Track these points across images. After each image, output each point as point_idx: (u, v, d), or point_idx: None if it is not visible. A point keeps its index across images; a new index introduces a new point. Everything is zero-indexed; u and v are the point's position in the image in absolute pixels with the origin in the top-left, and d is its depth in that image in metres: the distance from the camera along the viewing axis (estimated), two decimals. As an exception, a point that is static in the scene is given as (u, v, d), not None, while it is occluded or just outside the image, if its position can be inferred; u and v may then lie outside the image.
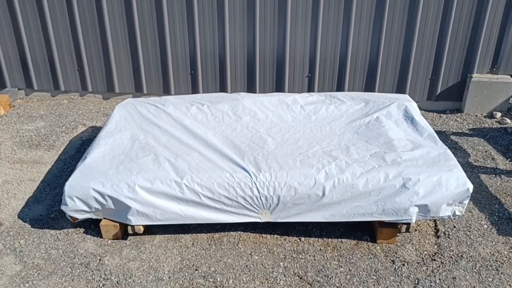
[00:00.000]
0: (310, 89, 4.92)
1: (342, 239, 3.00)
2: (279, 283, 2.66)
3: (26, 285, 2.64)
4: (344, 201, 2.83)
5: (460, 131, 4.48)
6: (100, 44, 4.83)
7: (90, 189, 2.82)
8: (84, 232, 3.05)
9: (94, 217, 2.93)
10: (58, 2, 4.64)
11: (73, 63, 4.96)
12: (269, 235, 3.03)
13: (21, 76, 5.06)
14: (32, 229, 3.09)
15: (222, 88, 4.97)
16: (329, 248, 2.93)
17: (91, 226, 3.08)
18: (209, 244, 2.95)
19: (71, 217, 2.92)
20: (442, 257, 2.85)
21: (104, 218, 2.95)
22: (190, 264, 2.80)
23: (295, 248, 2.92)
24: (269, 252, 2.89)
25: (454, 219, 3.14)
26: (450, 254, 2.87)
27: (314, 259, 2.84)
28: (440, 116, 4.83)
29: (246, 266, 2.78)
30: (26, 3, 4.67)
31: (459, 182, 2.80)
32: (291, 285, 2.64)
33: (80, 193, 2.83)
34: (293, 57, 4.78)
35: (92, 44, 4.84)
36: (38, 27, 4.78)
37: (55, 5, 4.66)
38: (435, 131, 3.49)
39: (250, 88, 4.95)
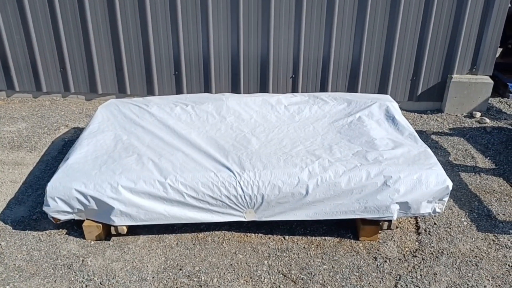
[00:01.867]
0: (294, 89, 4.96)
1: (326, 237, 3.03)
2: (264, 281, 2.67)
3: (7, 287, 2.61)
4: (327, 199, 2.86)
5: (440, 131, 4.56)
6: (83, 45, 4.79)
7: (72, 190, 2.80)
8: (66, 233, 3.02)
9: (76, 218, 2.91)
10: (40, 2, 4.59)
11: (55, 64, 4.91)
12: (253, 234, 3.04)
13: (2, 77, 4.99)
14: (13, 230, 3.05)
15: (206, 89, 4.98)
16: (312, 246, 2.96)
17: (74, 227, 3.05)
18: (194, 244, 2.96)
19: (53, 218, 2.89)
20: (423, 254, 2.90)
21: (87, 219, 2.93)
22: (174, 264, 2.80)
23: (279, 247, 2.95)
24: (254, 251, 2.90)
25: (435, 216, 3.20)
26: (431, 251, 2.92)
27: (298, 257, 2.86)
28: (421, 116, 4.91)
29: (231, 265, 2.79)
30: (6, 3, 4.61)
31: (439, 180, 2.86)
32: (275, 283, 2.66)
33: (62, 194, 2.80)
34: (277, 58, 4.81)
35: (74, 45, 4.80)
36: (19, 28, 4.72)
37: (36, 5, 4.61)
38: (416, 131, 3.56)
39: (234, 88, 4.97)
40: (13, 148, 4.07)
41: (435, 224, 3.17)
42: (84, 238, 2.96)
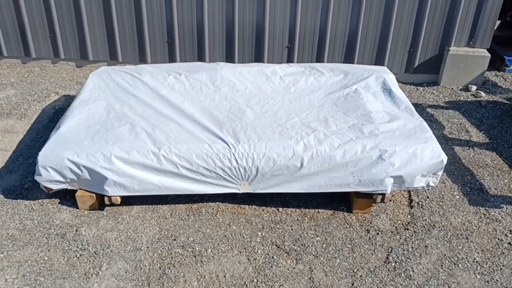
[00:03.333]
0: (290, 59, 4.88)
1: (319, 210, 3.05)
2: (257, 252, 2.70)
3: (1, 255, 2.60)
4: (321, 172, 2.86)
5: (436, 104, 4.55)
6: (73, 9, 4.63)
7: (64, 159, 2.76)
8: (59, 203, 3.00)
9: (69, 187, 2.88)
10: (27, -37, 4.41)
11: (45, 29, 4.75)
12: (247, 206, 3.05)
13: (-12, 41, 4.84)
14: (5, 199, 3.02)
15: (200, 58, 4.87)
16: (306, 218, 2.98)
17: (67, 197, 3.03)
18: (188, 215, 2.96)
19: (45, 187, 2.86)
20: (415, 227, 2.93)
21: (80, 189, 2.90)
22: (169, 234, 2.80)
23: (273, 219, 2.96)
24: (247, 222, 2.92)
25: (428, 190, 3.22)
26: (422, 224, 2.96)
27: (292, 229, 2.88)
28: (417, 89, 4.88)
29: (225, 236, 2.81)
30: (-9, -37, 4.41)
31: (433, 154, 2.86)
32: (268, 254, 2.68)
33: (54, 163, 2.77)
34: (273, 27, 4.70)
35: (64, 9, 4.64)
36: (5, -10, 4.54)
37: (23, -34, 4.42)
38: (412, 103, 3.54)
39: (229, 58, 4.87)
40: (2, 116, 3.99)
41: (427, 197, 3.20)
42: (77, 207, 2.95)
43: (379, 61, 4.88)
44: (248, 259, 2.65)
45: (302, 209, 3.05)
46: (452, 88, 4.89)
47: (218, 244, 2.75)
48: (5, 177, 3.23)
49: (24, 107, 4.14)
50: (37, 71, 4.91)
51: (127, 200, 3.02)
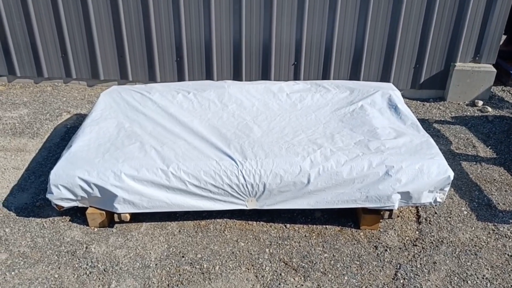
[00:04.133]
0: (296, 77, 4.94)
1: (327, 226, 3.06)
2: (265, 269, 2.71)
3: (12, 273, 2.64)
4: (328, 188, 2.88)
5: (442, 119, 4.56)
6: (84, 30, 4.76)
7: (75, 178, 2.82)
8: (70, 220, 3.05)
9: (80, 205, 2.93)
10: (40, -14, 4.55)
11: (56, 49, 4.88)
12: (255, 222, 3.07)
13: (3, 62, 4.96)
14: (17, 217, 3.08)
15: (208, 76, 4.96)
16: (314, 234, 2.99)
17: (77, 214, 3.08)
18: (196, 232, 2.99)
19: (56, 205, 2.91)
20: (423, 243, 2.93)
21: (90, 206, 2.95)
22: (177, 251, 2.83)
23: (280, 235, 2.97)
24: (255, 239, 2.93)
25: (436, 205, 3.22)
26: (431, 240, 2.95)
27: (299, 245, 2.89)
28: (424, 104, 4.90)
29: (232, 252, 2.83)
30: (7, -13, 4.57)
31: (440, 170, 2.87)
32: (276, 271, 2.69)
33: (65, 182, 2.82)
34: (279, 44, 4.78)
35: (75, 30, 4.77)
36: (20, 12, 4.68)
37: (37, -11, 4.57)
38: (418, 119, 3.56)
39: (236, 76, 4.95)
40: (15, 134, 4.08)
41: (435, 213, 3.19)
42: (87, 225, 2.99)
43: (385, 77, 4.92)
44: (256, 276, 2.66)
45: (310, 225, 3.06)
46: (459, 104, 4.90)
47: (226, 261, 2.76)
48: (17, 195, 3.29)
49: (37, 126, 4.23)
50: (49, 90, 5.02)
51: (136, 217, 3.06)
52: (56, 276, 2.63)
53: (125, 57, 4.88)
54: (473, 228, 3.06)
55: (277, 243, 2.91)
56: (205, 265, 2.72)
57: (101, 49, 4.86)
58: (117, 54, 4.89)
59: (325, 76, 4.93)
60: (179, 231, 2.99)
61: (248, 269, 2.71)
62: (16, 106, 4.63)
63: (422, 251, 2.86)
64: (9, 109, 4.55)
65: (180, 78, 4.97)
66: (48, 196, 2.88)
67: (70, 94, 4.95)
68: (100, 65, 4.94)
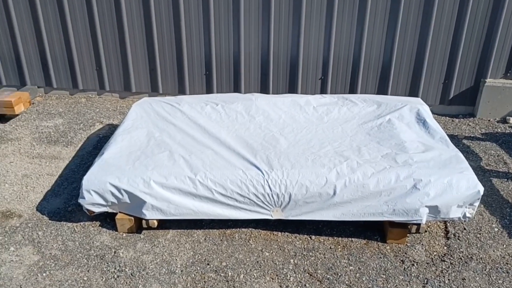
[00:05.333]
0: (323, 91, 4.97)
1: (352, 238, 3.04)
2: (289, 279, 2.70)
3: (44, 274, 2.73)
4: (354, 201, 2.87)
5: (472, 135, 4.48)
6: (118, 44, 4.95)
7: (107, 183, 2.91)
8: (100, 225, 3.13)
9: (110, 210, 3.02)
10: (78, 2, 4.77)
11: (92, 62, 5.08)
12: (280, 233, 3.08)
13: (41, 74, 5.20)
14: (50, 221, 3.18)
15: (236, 89, 5.04)
16: (339, 246, 2.97)
17: (107, 220, 3.16)
18: (221, 240, 3.02)
19: (88, 210, 3.00)
20: (451, 258, 2.87)
21: (119, 212, 3.03)
22: (202, 258, 2.86)
23: (305, 246, 2.97)
24: (280, 249, 2.94)
25: (465, 221, 3.13)
26: (459, 256, 2.89)
27: (324, 257, 2.88)
28: (453, 120, 4.83)
29: (257, 262, 2.84)
30: (47, 3, 4.80)
31: (469, 184, 2.82)
32: (301, 282, 2.68)
33: (97, 187, 2.91)
34: (307, 59, 4.83)
35: (110, 44, 4.96)
36: (58, 27, 4.91)
37: (75, 5, 4.78)
38: (448, 135, 3.51)
39: (264, 89, 5.02)
40: (50, 143, 4.25)
41: (464, 229, 3.12)
42: (116, 230, 3.07)
43: (413, 93, 4.89)
44: (280, 286, 2.66)
45: (335, 238, 3.04)
46: (489, 120, 4.81)
47: (250, 270, 2.78)
48: (50, 200, 3.41)
49: (71, 135, 4.39)
50: (83, 101, 5.21)
51: (163, 224, 3.11)
52: (85, 278, 2.70)
53: (156, 71, 5.04)
54: (505, 246, 2.98)
55: (302, 254, 2.90)
56: (229, 273, 2.74)
57: (134, 63, 5.03)
58: (148, 68, 5.05)
59: (352, 91, 4.94)
60: (205, 239, 3.03)
61: (273, 279, 2.71)
62: (52, 116, 4.82)
63: (450, 267, 2.80)
64: (45, 119, 4.74)
65: (209, 91, 5.07)
66: (80, 201, 2.98)
67: (103, 105, 5.12)
68: (132, 78, 5.10)
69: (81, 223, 3.16)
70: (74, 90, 5.30)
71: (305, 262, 2.83)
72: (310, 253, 2.91)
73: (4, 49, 5.07)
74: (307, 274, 2.74)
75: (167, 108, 3.82)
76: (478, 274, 2.75)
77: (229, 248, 2.95)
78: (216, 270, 2.77)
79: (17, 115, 4.72)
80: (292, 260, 2.85)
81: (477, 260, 2.85)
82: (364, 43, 4.69)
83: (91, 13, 4.80)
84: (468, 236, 3.05)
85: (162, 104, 3.90)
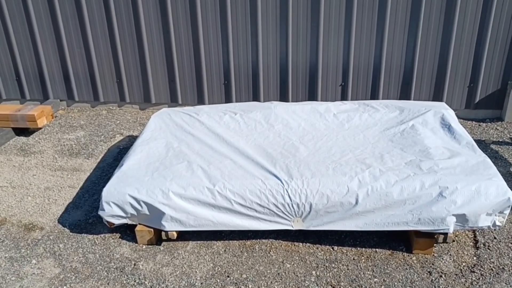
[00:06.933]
0: (344, 97, 4.89)
1: (376, 249, 2.94)
2: (311, 291, 2.63)
3: (64, 287, 2.73)
4: (378, 210, 2.77)
5: (500, 140, 4.31)
6: (138, 57, 4.99)
7: (126, 195, 2.90)
8: (120, 237, 3.13)
9: (129, 222, 3.00)
10: (99, 18, 4.84)
11: (112, 75, 5.14)
12: (301, 243, 3.01)
13: (63, 88, 5.29)
14: (71, 233, 3.19)
15: (255, 98, 5.01)
16: (362, 257, 2.88)
17: (127, 232, 3.15)
18: (241, 251, 2.96)
19: (107, 222, 3.00)
20: (482, 269, 2.73)
21: (139, 224, 3.02)
22: (222, 270, 2.81)
23: (327, 257, 2.89)
24: (301, 261, 2.86)
25: (495, 229, 3.01)
26: (490, 266, 2.75)
27: (348, 269, 2.79)
28: (480, 125, 4.67)
29: (278, 274, 2.77)
30: (69, 20, 4.89)
31: (499, 191, 2.70)
32: (323, 294, 2.60)
33: (116, 199, 2.91)
34: (326, 65, 4.76)
35: (130, 58, 5.01)
36: (79, 42, 5.00)
37: (96, 21, 4.86)
38: (474, 140, 3.39)
39: (283, 97, 4.97)
40: (72, 155, 4.29)
41: (495, 238, 2.98)
42: (136, 242, 3.05)
43: (437, 97, 4.76)
44: (302, 299, 2.58)
45: (358, 248, 2.95)
46: (519, 123, 4.63)
47: (271, 282, 2.71)
48: (71, 212, 3.43)
49: (92, 147, 4.44)
50: (104, 114, 5.27)
51: (183, 236, 3.08)
52: (105, 291, 2.69)
53: (175, 82, 5.06)
54: (539, 256, 2.83)
55: (324, 265, 2.82)
56: (250, 286, 2.68)
57: (153, 75, 5.06)
58: (168, 79, 5.07)
59: (374, 97, 4.85)
60: (225, 250, 2.98)
61: (294, 291, 2.64)
62: (73, 128, 4.88)
63: (481, 278, 2.66)
64: (67, 132, 4.80)
65: (228, 100, 5.06)
66: (100, 213, 2.97)
67: (123, 117, 5.16)
68: (152, 90, 5.14)
69: (102, 235, 3.16)
70: (95, 102, 5.37)
71: (328, 274, 2.75)
72: (333, 265, 2.82)
73: (28, 66, 5.19)
74: (330, 287, 2.66)
75: (186, 119, 3.82)
76: (511, 286, 2.61)
77: (249, 259, 2.89)
78: (236, 283, 2.71)
79: (40, 128, 4.80)
80: (314, 272, 2.77)
81: (509, 271, 2.71)
82: (385, 48, 4.60)
83: (111, 27, 4.87)
84: (499, 246, 2.91)
85: (180, 114, 3.89)
